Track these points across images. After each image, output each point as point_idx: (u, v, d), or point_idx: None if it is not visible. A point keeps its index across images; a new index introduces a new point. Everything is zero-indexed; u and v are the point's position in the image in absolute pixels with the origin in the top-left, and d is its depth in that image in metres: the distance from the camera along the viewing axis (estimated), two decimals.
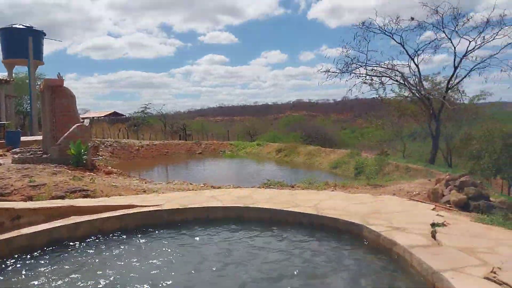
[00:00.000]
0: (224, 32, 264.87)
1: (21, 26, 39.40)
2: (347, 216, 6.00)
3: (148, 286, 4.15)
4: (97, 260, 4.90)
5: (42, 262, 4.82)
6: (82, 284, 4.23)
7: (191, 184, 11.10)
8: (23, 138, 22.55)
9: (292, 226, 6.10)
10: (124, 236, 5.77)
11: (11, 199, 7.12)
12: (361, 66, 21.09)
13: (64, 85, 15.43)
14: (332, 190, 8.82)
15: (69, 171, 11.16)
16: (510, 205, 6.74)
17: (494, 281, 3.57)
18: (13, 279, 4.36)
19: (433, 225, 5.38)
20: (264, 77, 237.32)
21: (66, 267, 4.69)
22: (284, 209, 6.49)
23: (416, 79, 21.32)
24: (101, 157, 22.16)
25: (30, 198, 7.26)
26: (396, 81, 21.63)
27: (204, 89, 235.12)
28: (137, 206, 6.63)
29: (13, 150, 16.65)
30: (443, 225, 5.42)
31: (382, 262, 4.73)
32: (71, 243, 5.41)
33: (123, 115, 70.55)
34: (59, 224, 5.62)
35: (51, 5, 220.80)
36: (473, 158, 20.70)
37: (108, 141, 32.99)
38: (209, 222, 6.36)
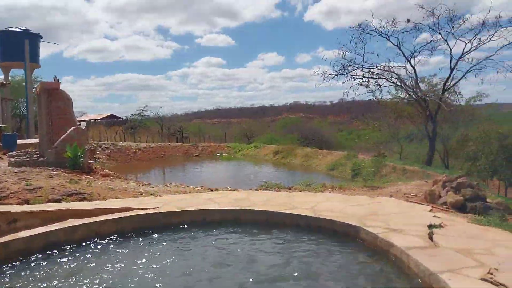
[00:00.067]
0: (221, 34, 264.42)
1: (17, 29, 39.37)
2: (344, 218, 6.01)
3: None
4: (94, 264, 4.88)
5: (39, 266, 4.80)
6: None
7: (188, 186, 11.09)
8: (19, 141, 22.52)
9: (290, 228, 6.09)
10: (121, 239, 5.75)
11: (8, 202, 7.09)
12: (357, 68, 21.21)
13: (60, 88, 15.40)
14: (329, 192, 8.82)
15: (66, 174, 11.12)
16: (507, 206, 6.76)
17: (491, 282, 3.58)
18: (9, 284, 4.33)
19: (430, 226, 5.39)
20: (261, 79, 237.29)
21: (63, 270, 4.67)
22: (281, 211, 6.48)
23: (413, 81, 21.41)
24: (98, 160, 22.13)
25: (26, 202, 7.22)
26: (393, 83, 21.73)
27: (201, 91, 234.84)
28: (134, 209, 6.62)
29: (10, 153, 16.61)
30: (440, 226, 5.43)
31: (379, 264, 4.73)
32: (68, 247, 5.39)
33: (120, 118, 70.37)
34: (55, 228, 5.60)
35: (47, 8, 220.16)
36: (470, 159, 20.77)
37: (105, 143, 32.97)
38: (206, 224, 6.35)
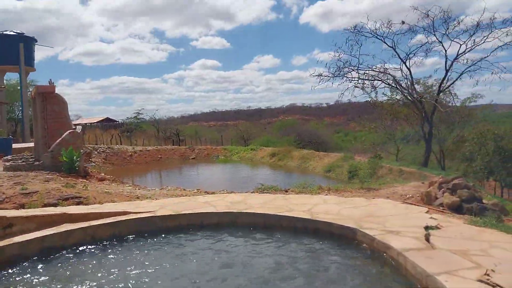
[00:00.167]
0: (217, 37, 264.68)
1: (12, 33, 39.14)
2: (341, 220, 6.01)
3: None
4: (90, 268, 4.85)
5: (35, 270, 4.76)
6: None
7: (184, 189, 11.07)
8: (15, 145, 22.41)
9: (287, 231, 6.09)
10: (117, 243, 5.73)
11: (3, 207, 7.04)
12: (353, 70, 21.22)
13: (55, 92, 15.35)
14: (326, 194, 8.83)
15: (62, 178, 11.08)
16: (503, 207, 6.79)
17: (488, 284, 3.59)
18: None
19: (426, 228, 5.39)
20: (257, 82, 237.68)
21: (59, 275, 4.64)
22: (278, 214, 6.48)
23: (408, 82, 21.49)
24: (94, 164, 22.08)
25: (22, 206, 7.18)
26: (388, 84, 21.79)
27: (197, 94, 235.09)
28: (130, 212, 6.59)
29: (5, 157, 16.51)
30: (436, 228, 5.44)
31: (376, 266, 4.73)
32: (64, 251, 5.36)
33: (116, 121, 70.24)
34: (51, 232, 5.57)
35: (42, 11, 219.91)
36: (466, 160, 20.88)
37: (101, 147, 32.84)
38: (203, 228, 6.34)
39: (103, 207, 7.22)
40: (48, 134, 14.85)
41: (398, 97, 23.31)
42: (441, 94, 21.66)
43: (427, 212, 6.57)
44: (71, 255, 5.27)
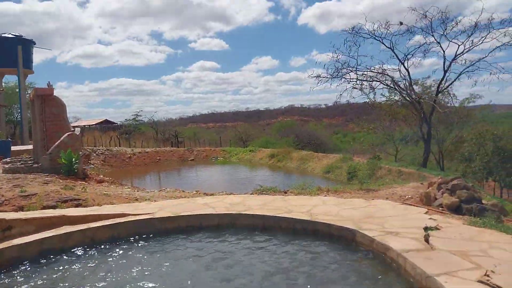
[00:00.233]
0: (215, 38, 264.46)
1: (10, 35, 39.16)
2: (340, 221, 6.00)
3: None
4: (89, 270, 4.85)
5: (34, 273, 4.75)
6: None
7: (183, 191, 11.05)
8: (13, 148, 22.38)
9: (286, 232, 6.09)
10: (116, 245, 5.72)
11: (2, 209, 7.03)
12: (351, 71, 21.19)
13: (54, 94, 15.33)
14: (325, 195, 8.82)
15: (61, 180, 11.06)
16: (502, 208, 6.79)
17: (488, 284, 3.58)
18: None
19: (426, 229, 5.39)
20: (256, 83, 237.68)
21: (58, 277, 4.63)
22: (277, 215, 6.47)
23: (407, 83, 21.46)
24: (92, 166, 22.06)
25: (21, 208, 7.17)
26: (387, 85, 21.76)
27: (195, 95, 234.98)
28: (129, 214, 6.58)
29: (4, 160, 16.49)
30: (436, 228, 5.44)
31: (376, 267, 4.72)
32: (63, 253, 5.35)
33: (114, 123, 70.15)
34: (50, 234, 5.57)
35: (40, 14, 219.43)
36: (465, 160, 20.91)
37: (99, 149, 32.82)
38: (202, 229, 6.33)
39: (102, 209, 7.21)
40: (47, 136, 14.83)
41: (396, 98, 23.32)
42: (439, 94, 21.66)
43: (426, 213, 6.57)
44: (70, 257, 5.26)
